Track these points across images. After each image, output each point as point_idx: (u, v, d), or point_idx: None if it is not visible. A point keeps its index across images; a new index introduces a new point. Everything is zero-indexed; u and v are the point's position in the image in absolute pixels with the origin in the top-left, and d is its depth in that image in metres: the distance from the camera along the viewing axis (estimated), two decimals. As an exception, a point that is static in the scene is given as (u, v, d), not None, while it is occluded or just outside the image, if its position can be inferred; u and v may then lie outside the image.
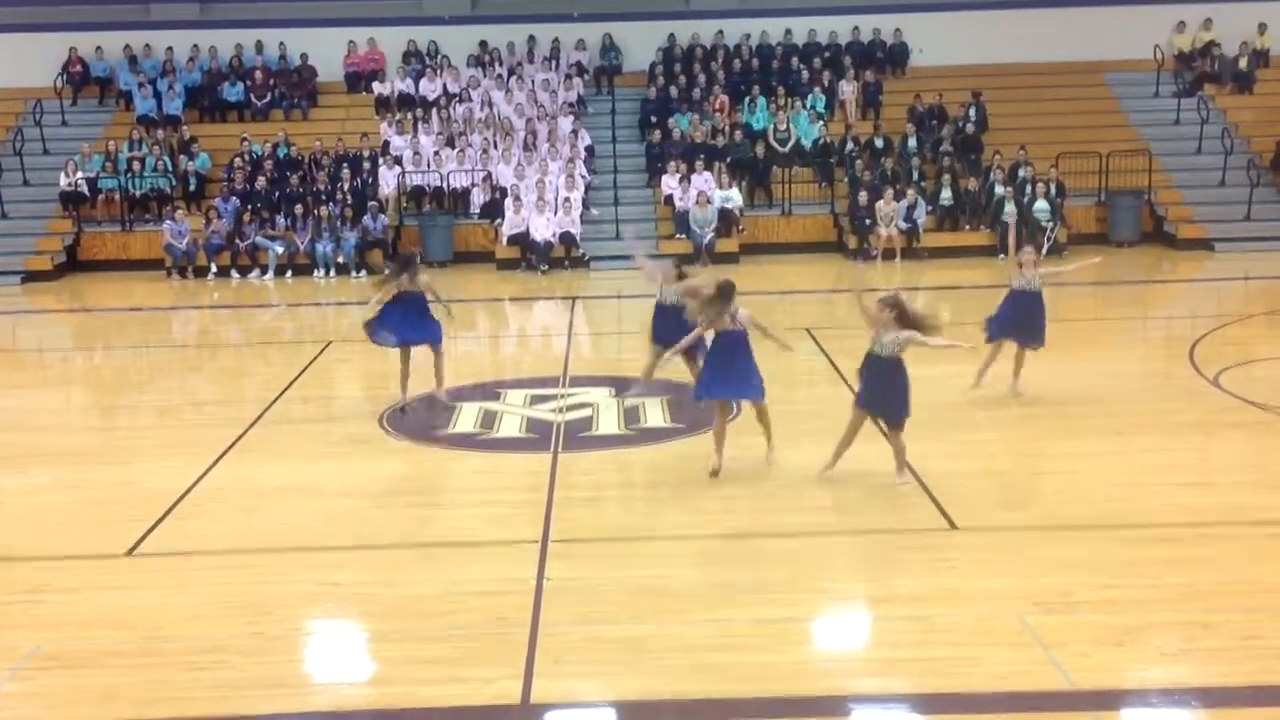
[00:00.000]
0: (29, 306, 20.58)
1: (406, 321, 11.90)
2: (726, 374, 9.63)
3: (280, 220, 22.77)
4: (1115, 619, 7.01)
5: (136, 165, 23.90)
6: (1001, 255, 21.56)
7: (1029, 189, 22.61)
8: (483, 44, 27.16)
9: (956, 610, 7.20)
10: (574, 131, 24.74)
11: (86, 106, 26.49)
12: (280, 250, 22.26)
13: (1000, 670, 6.46)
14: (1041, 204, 22.37)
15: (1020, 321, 11.79)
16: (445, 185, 23.73)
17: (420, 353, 12.12)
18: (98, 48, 26.77)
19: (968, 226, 22.94)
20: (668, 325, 11.40)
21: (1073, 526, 8.52)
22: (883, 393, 9.35)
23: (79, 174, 23.47)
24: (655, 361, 11.96)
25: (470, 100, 25.68)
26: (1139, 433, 10.82)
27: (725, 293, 9.53)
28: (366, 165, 23.99)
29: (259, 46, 27.00)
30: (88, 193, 23.49)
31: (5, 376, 15.43)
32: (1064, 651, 6.60)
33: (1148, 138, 24.85)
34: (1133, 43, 26.54)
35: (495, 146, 24.37)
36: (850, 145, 24.26)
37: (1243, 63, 26.46)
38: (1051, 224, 22.21)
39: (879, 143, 24.40)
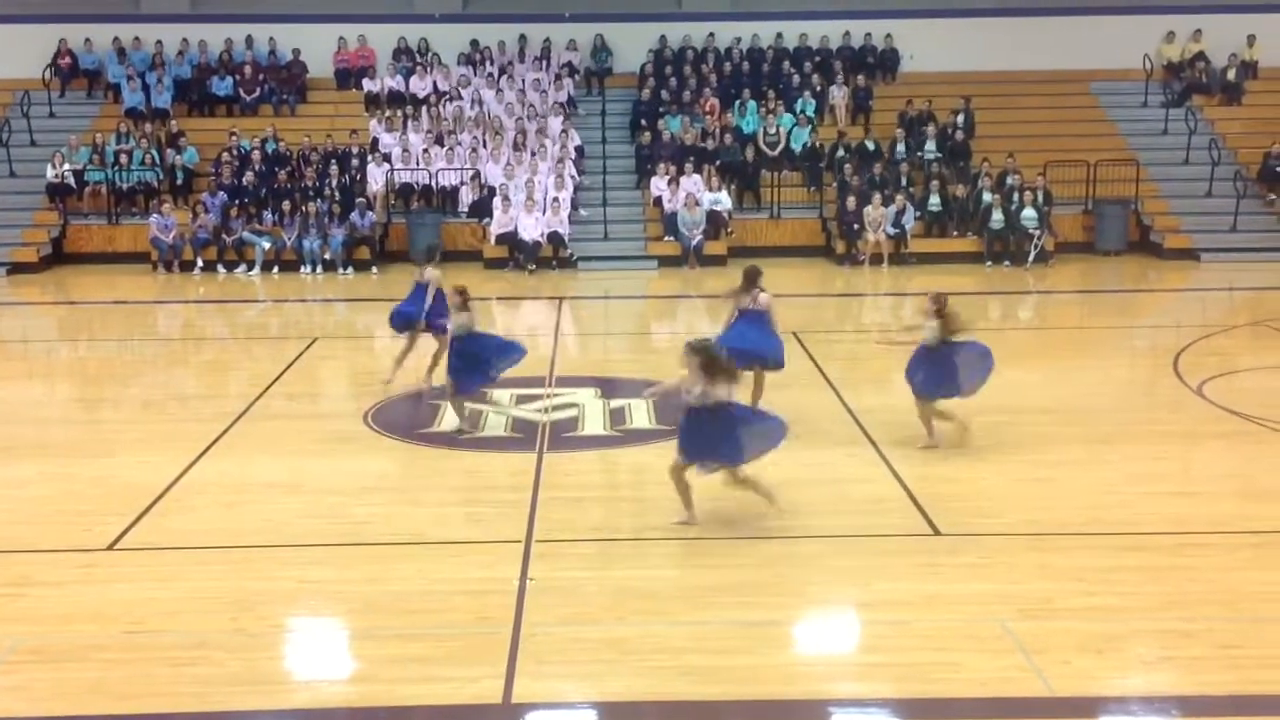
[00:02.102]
0: (14, 298, 20.49)
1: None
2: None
3: (267, 216, 22.70)
4: (1096, 626, 7.03)
5: (124, 158, 23.79)
6: (988, 263, 21.71)
7: (1016, 196, 22.67)
8: (474, 43, 27.12)
9: (938, 616, 7.21)
10: (564, 131, 24.71)
11: (74, 98, 26.33)
12: (267, 246, 22.19)
13: (981, 676, 6.49)
14: (1029, 212, 22.43)
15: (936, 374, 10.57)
16: (434, 183, 23.69)
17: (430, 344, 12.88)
18: (87, 40, 26.65)
19: (955, 233, 22.97)
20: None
21: (1055, 534, 8.54)
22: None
23: (66, 166, 23.38)
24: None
25: (460, 99, 25.64)
26: (1122, 441, 10.86)
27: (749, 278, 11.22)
28: (355, 162, 23.93)
29: (249, 41, 26.91)
30: (74, 185, 23.42)
31: (-11, 368, 15.37)
32: (1045, 658, 6.62)
33: (1135, 147, 24.91)
34: (1122, 53, 26.56)
35: (484, 145, 24.34)
36: (840, 150, 24.28)
37: (1231, 74, 26.55)
38: (1039, 232, 22.29)
39: (869, 147, 24.44)
